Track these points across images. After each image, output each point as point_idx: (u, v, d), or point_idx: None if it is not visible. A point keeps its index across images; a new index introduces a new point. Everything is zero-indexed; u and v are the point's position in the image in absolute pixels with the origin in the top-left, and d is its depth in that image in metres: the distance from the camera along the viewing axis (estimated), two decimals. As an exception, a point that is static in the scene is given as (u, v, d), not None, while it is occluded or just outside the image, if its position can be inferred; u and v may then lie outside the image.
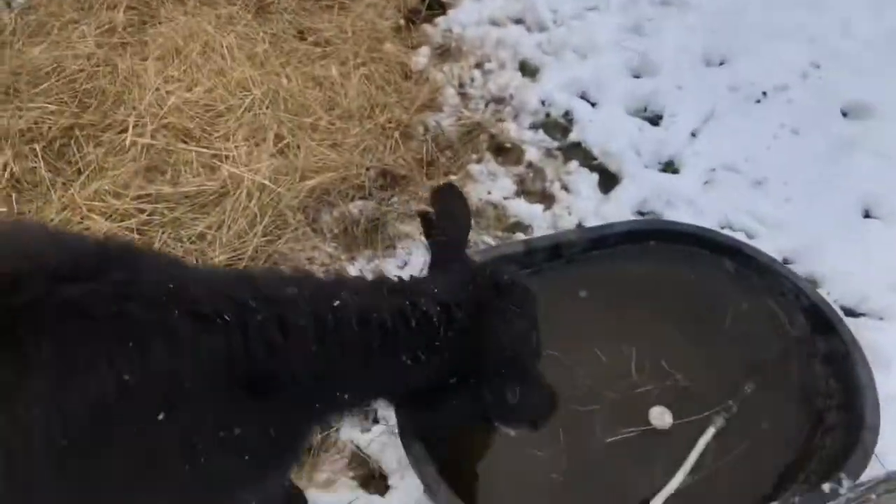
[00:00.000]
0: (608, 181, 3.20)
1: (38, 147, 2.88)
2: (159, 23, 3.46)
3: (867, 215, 3.11)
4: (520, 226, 3.01)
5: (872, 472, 2.01)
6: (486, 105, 3.48)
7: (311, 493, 2.21)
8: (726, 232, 2.83)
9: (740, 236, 2.87)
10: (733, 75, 3.60)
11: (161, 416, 1.20)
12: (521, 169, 3.23)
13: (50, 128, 2.96)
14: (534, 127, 3.40)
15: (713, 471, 2.13)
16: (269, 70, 3.30)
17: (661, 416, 2.25)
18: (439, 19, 3.89)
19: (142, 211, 2.75)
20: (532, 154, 3.27)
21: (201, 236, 2.74)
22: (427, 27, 3.84)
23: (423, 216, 1.84)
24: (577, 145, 3.34)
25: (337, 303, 1.41)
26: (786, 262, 2.80)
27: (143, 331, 1.19)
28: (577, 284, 2.47)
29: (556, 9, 3.90)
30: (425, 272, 1.84)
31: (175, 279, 1.29)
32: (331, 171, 2.99)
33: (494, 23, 3.86)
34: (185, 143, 2.97)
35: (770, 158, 3.28)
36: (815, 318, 2.38)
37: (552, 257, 2.49)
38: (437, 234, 1.78)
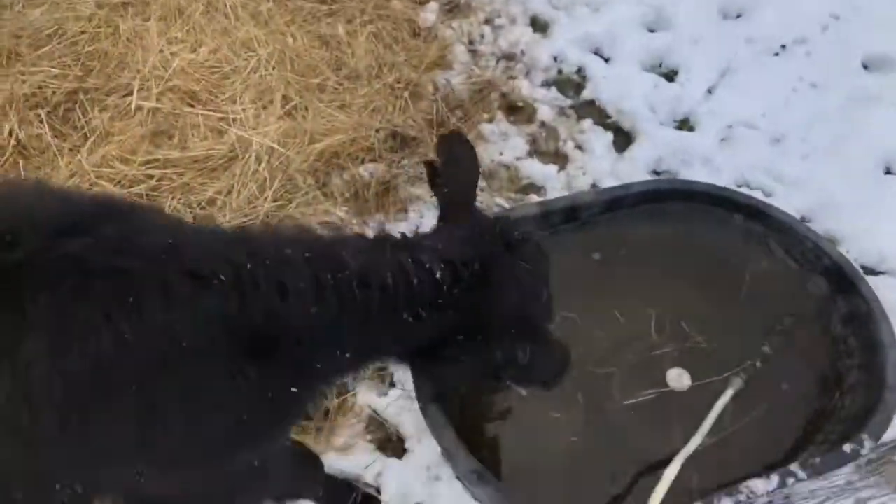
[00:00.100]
0: (623, 140, 3.14)
1: (42, 112, 2.84)
2: (160, -19, 3.36)
3: (888, 171, 3.05)
4: (533, 187, 2.97)
5: (893, 433, 2.00)
6: (497, 62, 3.40)
7: (329, 458, 2.21)
8: (743, 191, 2.78)
9: (757, 195, 2.82)
10: (751, 28, 3.50)
11: (160, 375, 1.20)
12: (533, 128, 3.17)
13: (54, 92, 2.90)
14: (546, 84, 3.32)
15: (732, 433, 2.12)
16: (274, 29, 3.22)
17: (678, 378, 2.24)
18: (447, -27, 3.77)
19: (150, 177, 2.71)
20: (545, 113, 3.21)
21: (211, 201, 2.71)
22: (434, -18, 3.73)
23: (429, 165, 1.78)
24: (590, 103, 3.27)
25: (337, 264, 1.38)
26: (804, 220, 2.76)
27: (142, 288, 1.17)
28: (595, 246, 2.44)
29: (567, -39, 3.78)
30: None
31: (173, 236, 1.27)
32: (340, 134, 2.93)
33: (504, -24, 3.75)
34: (191, 106, 2.92)
35: (788, 114, 3.21)
36: (836, 278, 2.35)
37: (568, 219, 2.45)
38: (444, 184, 1.72)
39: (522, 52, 3.42)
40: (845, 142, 3.09)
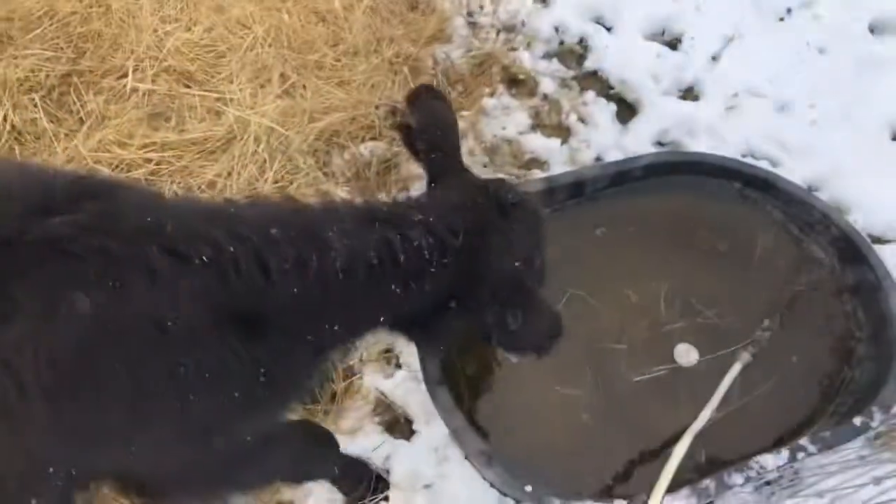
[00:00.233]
0: (626, 111, 3.08)
1: (37, 97, 2.78)
2: (150, -43, 3.28)
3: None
4: (536, 162, 2.92)
5: (904, 404, 2.00)
6: (497, 34, 3.33)
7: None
8: (749, 160, 2.74)
9: (764, 164, 2.78)
10: (756, -9, 3.43)
11: (147, 354, 1.20)
12: (535, 101, 3.12)
13: (48, 76, 2.85)
14: (547, 56, 3.26)
15: (741, 406, 2.12)
16: (269, 5, 3.15)
17: (686, 354, 2.23)
18: (444, -57, 3.68)
19: (149, 160, 2.67)
20: (546, 85, 3.15)
21: (211, 184, 2.67)
22: (431, -48, 3.65)
23: (404, 129, 1.72)
24: (593, 74, 3.21)
25: (321, 242, 1.37)
26: (811, 189, 2.72)
27: (123, 268, 1.17)
28: (602, 221, 2.42)
29: (566, -74, 3.69)
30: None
31: (154, 213, 1.26)
32: (339, 112, 2.88)
33: (502, -56, 3.66)
34: (187, 87, 2.86)
35: (795, 80, 3.14)
36: (845, 248, 2.33)
37: (574, 194, 2.42)
38: (426, 146, 1.67)
39: (523, 23, 3.35)
40: (853, 108, 3.03)
